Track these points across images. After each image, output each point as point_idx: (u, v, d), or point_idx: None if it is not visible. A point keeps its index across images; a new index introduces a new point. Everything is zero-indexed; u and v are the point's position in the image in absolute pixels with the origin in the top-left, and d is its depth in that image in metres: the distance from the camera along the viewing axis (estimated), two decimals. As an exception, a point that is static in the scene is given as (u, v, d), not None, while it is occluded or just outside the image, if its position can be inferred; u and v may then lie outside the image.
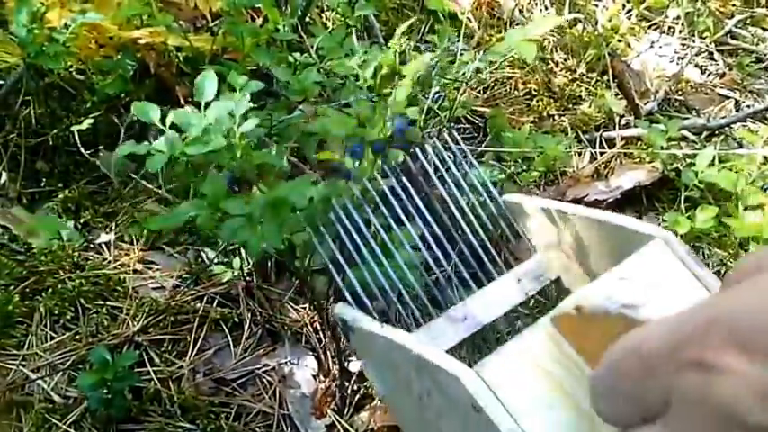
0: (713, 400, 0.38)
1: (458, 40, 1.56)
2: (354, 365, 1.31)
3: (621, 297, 0.54)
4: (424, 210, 0.94)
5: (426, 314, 0.83)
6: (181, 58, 1.41)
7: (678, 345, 0.41)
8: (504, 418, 0.56)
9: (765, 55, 2.16)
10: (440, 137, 1.04)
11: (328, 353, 1.31)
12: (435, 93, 1.42)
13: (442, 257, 0.92)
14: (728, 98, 2.01)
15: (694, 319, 0.41)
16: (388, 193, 0.95)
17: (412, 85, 1.11)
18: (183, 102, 1.41)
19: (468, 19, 1.80)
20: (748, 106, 1.97)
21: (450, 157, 1.02)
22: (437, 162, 0.99)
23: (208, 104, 1.01)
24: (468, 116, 1.66)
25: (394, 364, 0.74)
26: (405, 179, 0.93)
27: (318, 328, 1.34)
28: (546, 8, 2.03)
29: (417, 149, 0.96)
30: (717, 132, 1.83)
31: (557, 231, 0.87)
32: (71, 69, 1.41)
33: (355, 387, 1.29)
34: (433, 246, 0.92)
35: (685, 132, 1.81)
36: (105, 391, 1.17)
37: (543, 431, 0.55)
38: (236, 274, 1.36)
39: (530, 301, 0.88)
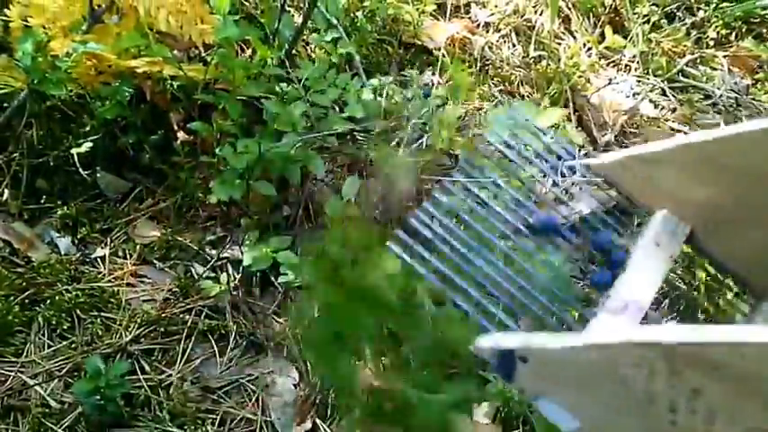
0: None
1: (432, 74, 1.59)
2: (332, 376, 1.33)
3: None
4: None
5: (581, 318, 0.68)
6: (175, 87, 1.42)
7: None
8: None
9: (713, 92, 2.21)
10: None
11: (309, 363, 1.33)
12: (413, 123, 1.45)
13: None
14: (679, 131, 2.06)
15: None
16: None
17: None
18: (175, 126, 1.43)
19: (443, 54, 1.83)
20: (697, 140, 2.02)
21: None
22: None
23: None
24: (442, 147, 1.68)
25: (614, 378, 0.56)
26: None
27: (300, 339, 1.35)
28: (513, 45, 2.07)
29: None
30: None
31: (677, 178, 0.72)
32: (72, 94, 1.42)
33: (334, 395, 1.31)
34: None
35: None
36: (99, 397, 1.19)
37: None
38: (222, 288, 1.38)
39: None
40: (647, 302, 0.71)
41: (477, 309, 0.77)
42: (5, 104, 1.39)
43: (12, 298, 1.31)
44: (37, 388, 1.23)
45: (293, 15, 1.63)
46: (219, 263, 1.42)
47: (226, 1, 1.22)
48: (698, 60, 2.29)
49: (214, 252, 1.43)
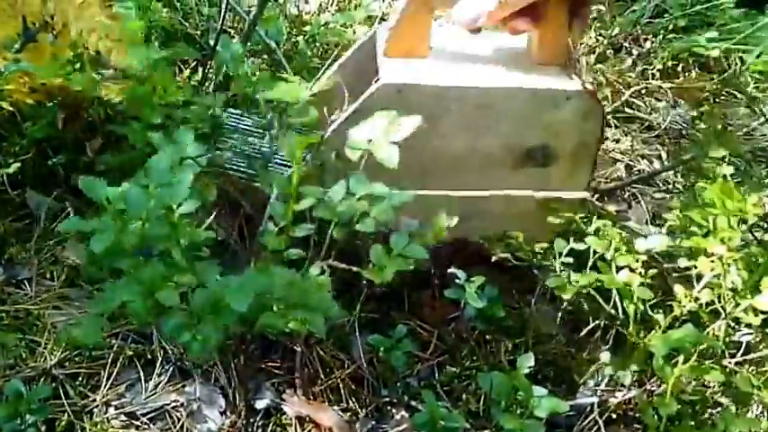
0: None
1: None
2: (261, 403, 1.34)
3: None
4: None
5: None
6: (94, 113, 1.42)
7: None
8: None
9: (657, 123, 2.27)
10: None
11: (236, 391, 1.34)
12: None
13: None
14: (621, 161, 2.10)
15: None
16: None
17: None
18: (91, 154, 1.42)
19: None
20: (639, 171, 2.07)
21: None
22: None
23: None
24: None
25: None
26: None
27: (228, 366, 1.36)
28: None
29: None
30: (607, 194, 1.92)
31: None
32: (2, 113, 1.42)
33: (260, 423, 1.32)
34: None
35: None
36: (19, 422, 1.18)
37: None
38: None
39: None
40: None
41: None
42: (-67, 122, 1.39)
43: (-67, 319, 1.30)
44: (-45, 413, 1.22)
45: (233, 37, 1.65)
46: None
47: (139, 26, 1.23)
48: (643, 92, 2.35)
49: (144, 275, 1.43)
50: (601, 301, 1.42)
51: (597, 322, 1.54)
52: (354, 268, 1.17)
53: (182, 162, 1.08)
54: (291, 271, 1.11)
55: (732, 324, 1.44)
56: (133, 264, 1.01)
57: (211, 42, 1.52)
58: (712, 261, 1.35)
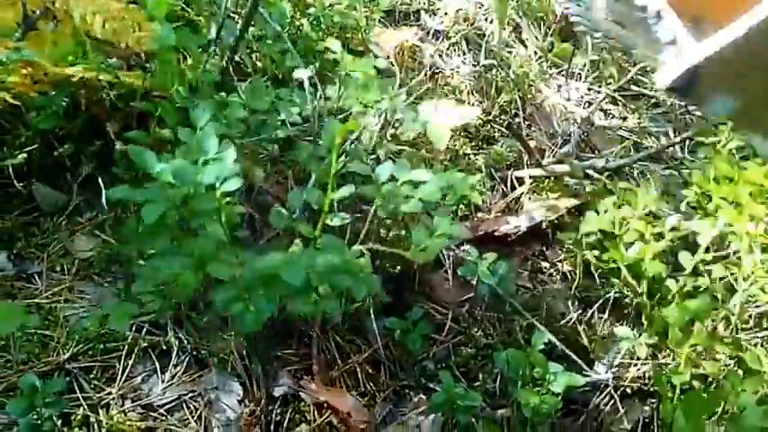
0: None
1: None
2: (279, 391, 1.33)
3: None
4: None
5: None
6: (112, 95, 1.41)
7: None
8: None
9: (663, 100, 2.25)
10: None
11: (254, 379, 1.33)
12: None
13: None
14: (629, 139, 2.09)
15: None
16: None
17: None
18: (113, 136, 1.41)
19: (391, 63, 1.84)
20: (646, 147, 2.06)
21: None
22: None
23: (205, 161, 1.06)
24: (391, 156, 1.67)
25: None
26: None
27: (245, 354, 1.35)
28: (464, 53, 2.09)
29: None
30: (615, 172, 1.91)
31: None
32: (5, 104, 1.39)
33: (279, 411, 1.31)
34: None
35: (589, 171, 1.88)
36: (35, 416, 1.17)
37: None
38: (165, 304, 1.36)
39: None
40: None
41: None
42: (-65, 114, 1.37)
43: (-57, 315, 1.28)
44: (-31, 409, 1.21)
45: (237, 22, 1.62)
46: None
47: (164, 7, 1.20)
48: (649, 68, 2.33)
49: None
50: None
51: (608, 297, 1.55)
52: (395, 250, 1.17)
53: (222, 140, 1.08)
54: (336, 238, 1.12)
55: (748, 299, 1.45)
56: (181, 237, 1.02)
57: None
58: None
